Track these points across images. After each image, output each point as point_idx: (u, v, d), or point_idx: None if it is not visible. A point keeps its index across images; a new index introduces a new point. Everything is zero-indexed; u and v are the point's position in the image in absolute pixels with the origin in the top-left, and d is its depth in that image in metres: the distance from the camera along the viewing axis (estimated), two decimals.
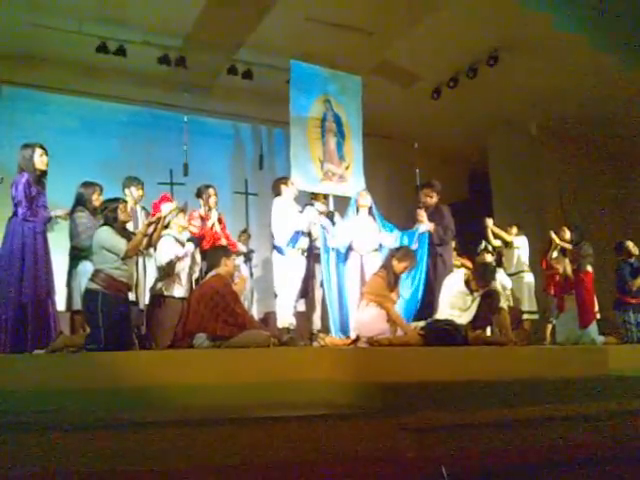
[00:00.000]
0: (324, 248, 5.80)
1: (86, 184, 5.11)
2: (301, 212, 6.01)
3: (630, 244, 7.11)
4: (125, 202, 4.70)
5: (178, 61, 8.17)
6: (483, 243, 7.36)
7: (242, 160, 9.69)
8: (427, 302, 5.61)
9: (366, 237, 5.88)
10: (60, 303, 4.93)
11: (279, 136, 9.56)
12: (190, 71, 8.35)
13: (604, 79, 8.18)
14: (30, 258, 4.46)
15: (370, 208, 6.04)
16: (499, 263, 7.31)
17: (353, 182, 6.65)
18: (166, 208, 5.20)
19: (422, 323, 5.03)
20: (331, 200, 6.60)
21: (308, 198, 6.52)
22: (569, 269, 7.01)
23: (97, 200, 5.01)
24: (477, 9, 7.36)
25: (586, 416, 3.60)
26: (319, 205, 6.39)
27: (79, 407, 3.29)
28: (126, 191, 5.59)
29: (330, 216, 6.30)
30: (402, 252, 5.29)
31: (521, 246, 7.58)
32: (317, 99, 6.76)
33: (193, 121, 8.64)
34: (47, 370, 3.59)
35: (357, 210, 6.02)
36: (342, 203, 6.51)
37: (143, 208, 5.71)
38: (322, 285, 6.12)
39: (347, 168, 6.74)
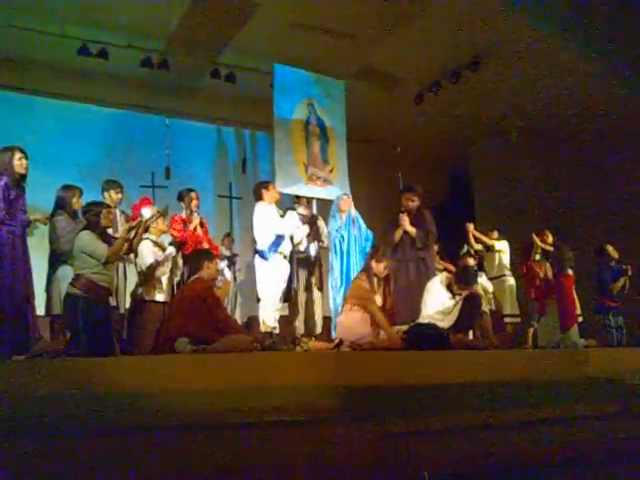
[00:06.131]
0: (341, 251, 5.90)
1: (66, 187, 5.06)
2: (282, 216, 6.01)
3: (610, 248, 7.17)
4: (109, 207, 4.67)
5: (161, 64, 8.12)
6: (465, 247, 7.39)
7: (225, 164, 9.64)
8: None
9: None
10: (40, 307, 4.87)
11: (262, 140, 9.52)
12: (173, 74, 8.30)
13: (586, 84, 8.27)
14: (8, 262, 4.38)
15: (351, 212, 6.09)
16: (481, 267, 7.34)
17: (337, 185, 6.67)
18: (147, 212, 5.16)
19: (405, 327, 5.04)
20: (314, 204, 6.60)
21: (291, 202, 6.52)
22: (550, 272, 7.07)
23: (77, 203, 4.98)
24: (459, 14, 7.41)
25: (567, 418, 3.63)
26: (302, 209, 6.39)
27: (59, 413, 3.24)
28: (105, 194, 5.53)
29: (313, 220, 6.31)
30: (380, 253, 5.32)
31: (502, 250, 7.60)
32: (301, 103, 6.77)
33: (176, 124, 8.59)
34: (27, 375, 3.54)
35: (339, 214, 6.06)
36: (325, 207, 6.52)
37: (122, 212, 5.67)
38: (306, 289, 6.14)
39: (331, 171, 6.76)
